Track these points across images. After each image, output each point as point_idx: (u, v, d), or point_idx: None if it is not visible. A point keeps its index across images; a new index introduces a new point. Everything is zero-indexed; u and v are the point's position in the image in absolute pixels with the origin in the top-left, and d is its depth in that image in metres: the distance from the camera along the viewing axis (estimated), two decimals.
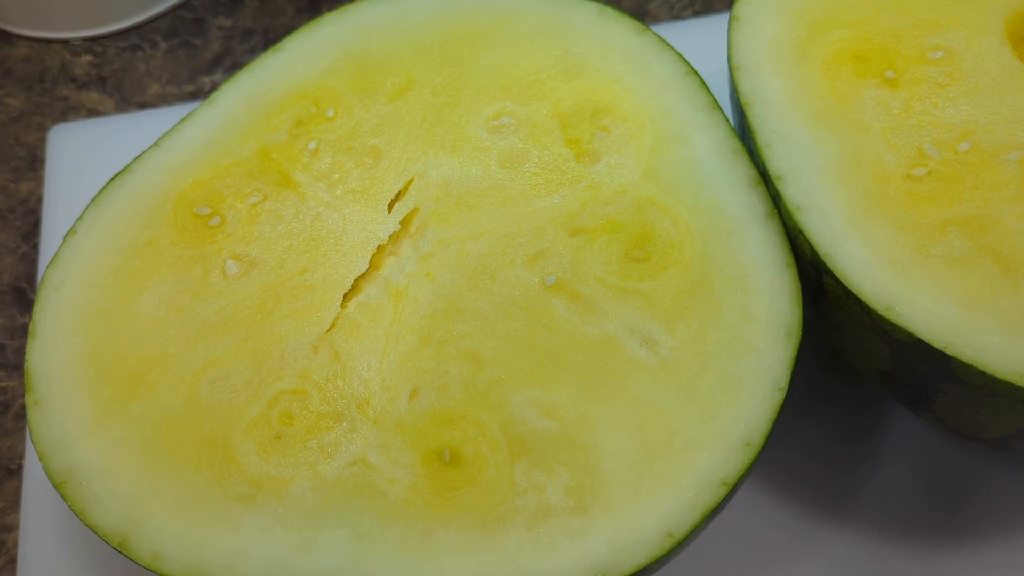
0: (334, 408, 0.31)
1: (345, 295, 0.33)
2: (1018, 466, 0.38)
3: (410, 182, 0.36)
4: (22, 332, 0.48)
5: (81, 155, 0.51)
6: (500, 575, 0.28)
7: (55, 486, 0.30)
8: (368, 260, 0.34)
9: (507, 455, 0.29)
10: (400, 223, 0.35)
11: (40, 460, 0.31)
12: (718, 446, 0.29)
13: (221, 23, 0.60)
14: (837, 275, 0.30)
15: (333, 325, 0.32)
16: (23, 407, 0.45)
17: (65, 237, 0.36)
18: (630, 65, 0.37)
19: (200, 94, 0.57)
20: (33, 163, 0.54)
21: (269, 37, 0.60)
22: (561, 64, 0.38)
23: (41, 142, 0.55)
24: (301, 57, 0.39)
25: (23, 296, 0.49)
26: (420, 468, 0.30)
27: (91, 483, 0.30)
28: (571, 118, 0.36)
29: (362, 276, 0.34)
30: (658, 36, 0.38)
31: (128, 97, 0.57)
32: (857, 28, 0.37)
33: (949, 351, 0.28)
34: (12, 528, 0.42)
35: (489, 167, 0.36)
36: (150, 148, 0.38)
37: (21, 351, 0.47)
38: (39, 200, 0.53)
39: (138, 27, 0.60)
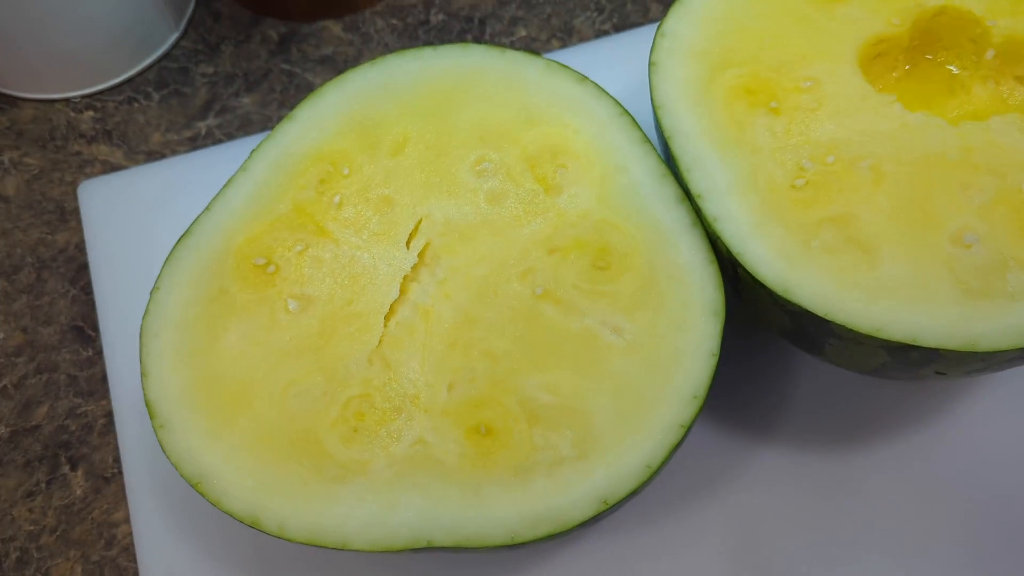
0: (393, 404, 0.42)
1: (385, 317, 0.44)
2: (891, 383, 0.51)
3: (419, 222, 0.46)
4: (89, 364, 0.57)
5: (110, 205, 0.59)
6: (534, 509, 0.39)
7: (192, 486, 0.41)
8: (398, 288, 0.44)
9: (526, 424, 0.41)
10: (417, 256, 0.45)
11: (175, 468, 0.41)
12: (674, 400, 0.41)
13: (203, 70, 0.69)
14: (747, 268, 0.42)
15: (381, 341, 0.43)
16: (104, 426, 0.55)
17: (151, 293, 0.45)
18: (576, 111, 0.48)
19: (198, 138, 0.66)
20: (63, 215, 0.63)
21: (249, 80, 0.68)
22: (522, 114, 0.48)
23: (66, 195, 0.63)
24: (312, 124, 0.49)
25: (82, 333, 0.58)
26: (464, 441, 0.41)
27: (220, 481, 0.41)
28: (536, 159, 0.47)
29: (396, 301, 0.44)
30: (595, 84, 0.49)
31: (135, 147, 0.66)
32: (746, 66, 0.48)
33: (828, 317, 0.40)
34: (119, 523, 0.52)
35: (479, 205, 0.46)
36: (203, 212, 0.47)
37: (91, 380, 0.56)
38: (76, 247, 0.61)
39: (130, 80, 0.68)
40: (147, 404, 0.42)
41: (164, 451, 0.41)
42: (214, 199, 0.47)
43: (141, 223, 0.58)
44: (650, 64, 0.49)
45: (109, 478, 0.53)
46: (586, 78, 0.49)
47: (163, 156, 0.65)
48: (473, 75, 0.49)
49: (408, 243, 0.45)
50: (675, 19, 0.50)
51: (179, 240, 0.46)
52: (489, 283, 0.44)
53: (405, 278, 0.44)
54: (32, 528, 0.52)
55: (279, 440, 0.41)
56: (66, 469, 0.54)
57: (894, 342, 0.40)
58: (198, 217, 0.47)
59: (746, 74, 0.47)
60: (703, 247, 0.44)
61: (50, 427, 0.55)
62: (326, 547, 0.39)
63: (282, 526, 0.40)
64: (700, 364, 0.41)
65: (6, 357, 0.57)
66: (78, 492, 0.53)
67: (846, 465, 0.50)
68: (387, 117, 0.48)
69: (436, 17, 0.70)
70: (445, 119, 0.48)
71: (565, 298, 0.43)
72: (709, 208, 0.44)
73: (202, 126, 0.66)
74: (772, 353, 0.53)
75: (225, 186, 0.48)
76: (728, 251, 0.43)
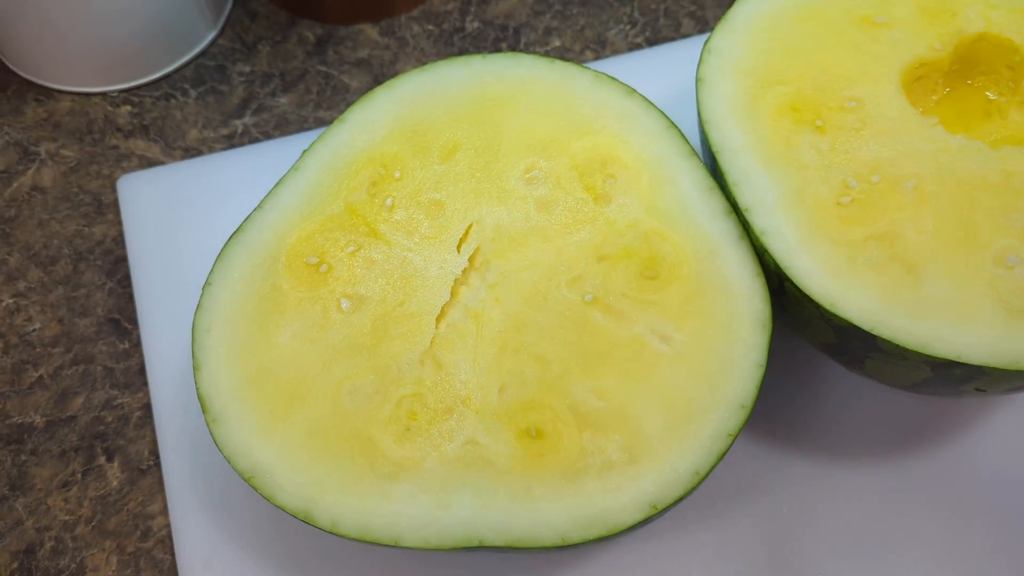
0: (445, 404, 0.42)
1: (437, 319, 0.44)
2: (924, 397, 0.52)
3: (470, 227, 0.47)
4: (125, 356, 0.57)
5: (149, 200, 0.60)
6: (584, 513, 0.40)
7: (246, 480, 0.41)
8: (449, 291, 0.45)
9: (576, 428, 0.42)
10: (468, 260, 0.46)
11: (228, 462, 0.42)
12: (722, 409, 0.42)
13: (240, 69, 0.69)
14: (794, 281, 0.43)
15: (433, 343, 0.44)
16: (140, 419, 0.55)
17: (204, 288, 0.46)
18: (625, 122, 0.49)
19: (235, 136, 0.66)
20: (100, 208, 0.63)
21: (286, 80, 0.69)
22: (572, 124, 0.49)
23: (103, 188, 0.64)
24: (363, 127, 0.50)
25: (119, 325, 0.58)
26: (515, 442, 0.41)
27: (273, 475, 0.41)
28: (586, 168, 0.48)
29: (447, 303, 0.45)
30: (643, 96, 0.50)
31: (171, 142, 0.66)
32: (792, 85, 0.49)
33: (875, 332, 0.41)
34: (155, 515, 0.52)
35: (529, 212, 0.47)
36: (255, 210, 0.48)
37: (128, 373, 0.57)
38: (113, 240, 0.62)
39: (167, 77, 0.69)
40: (200, 398, 0.43)
41: (217, 444, 0.42)
42: (266, 197, 0.48)
43: (180, 218, 0.59)
44: (697, 80, 0.50)
45: (145, 470, 0.54)
46: (634, 91, 0.50)
47: (200, 153, 0.65)
48: (523, 84, 0.50)
49: (459, 247, 0.46)
50: (722, 36, 0.51)
51: (231, 236, 0.47)
52: (539, 288, 0.45)
53: (456, 281, 0.45)
54: (68, 518, 0.52)
55: (332, 436, 0.42)
56: (102, 460, 0.54)
57: (939, 358, 0.41)
58: (250, 215, 0.48)
59: (792, 92, 0.49)
60: (750, 260, 0.45)
61: (86, 418, 0.55)
62: (379, 544, 0.40)
63: (335, 522, 0.40)
64: (748, 374, 0.42)
65: (43, 347, 0.57)
66: (114, 483, 0.53)
67: (877, 476, 0.51)
68: (438, 123, 0.49)
69: (471, 24, 0.71)
70: (495, 127, 0.49)
71: (614, 305, 0.44)
72: (757, 222, 0.45)
73: (239, 124, 0.67)
74: (805, 363, 0.54)
75: (277, 185, 0.48)
76: (775, 264, 0.44)
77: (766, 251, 0.44)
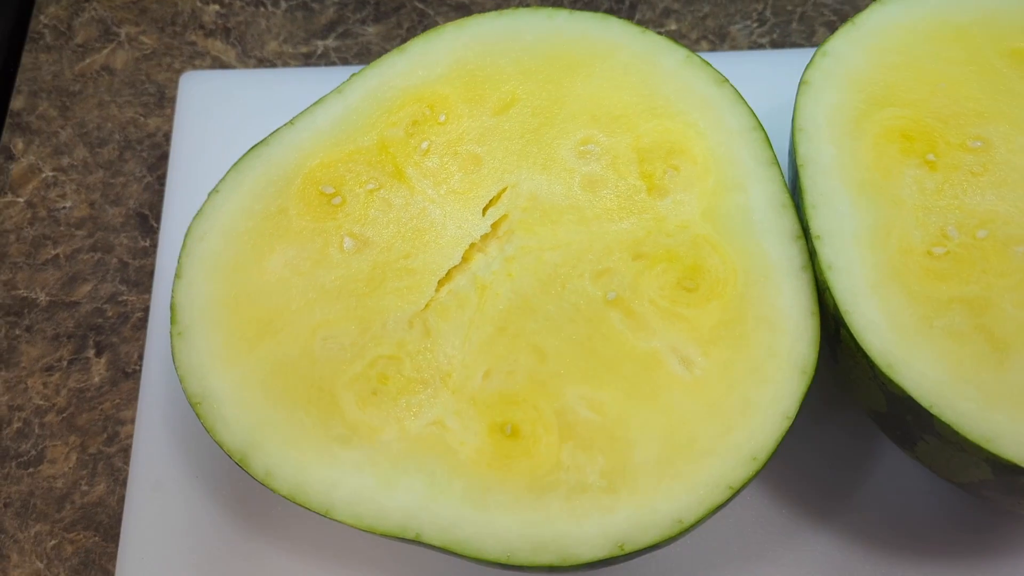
0: (422, 375, 0.38)
1: (439, 281, 0.40)
2: (980, 503, 0.44)
3: (503, 191, 0.42)
4: (143, 254, 0.55)
5: (208, 102, 0.57)
6: (540, 532, 0.35)
7: (191, 405, 0.38)
8: (461, 254, 0.40)
9: (557, 437, 0.36)
10: (491, 226, 0.41)
11: (180, 382, 0.38)
12: (729, 456, 0.35)
13: None
14: (852, 331, 0.36)
15: (427, 306, 0.39)
16: (139, 320, 0.53)
17: (209, 195, 0.42)
18: (706, 112, 0.43)
19: (313, 56, 0.63)
20: (161, 101, 0.61)
21: (380, 10, 0.65)
22: (647, 102, 0.43)
23: (170, 81, 0.62)
24: (421, 61, 0.45)
25: (145, 222, 0.56)
26: (486, 436, 0.36)
27: (220, 407, 0.38)
28: (648, 153, 0.42)
29: (455, 267, 0.40)
30: (735, 89, 0.43)
31: (248, 50, 0.63)
32: (910, 108, 0.42)
33: (933, 410, 0.34)
34: (125, 422, 0.50)
35: (572, 188, 0.41)
36: (285, 125, 0.44)
37: (141, 270, 0.54)
38: (165, 136, 0.59)
39: None
40: (172, 307, 0.40)
41: (174, 359, 0.39)
42: (300, 115, 0.44)
43: (232, 125, 0.56)
44: (801, 82, 0.43)
45: (130, 374, 0.51)
46: (727, 80, 0.44)
47: (274, 65, 0.62)
48: (604, 49, 0.45)
49: (485, 210, 0.41)
50: (842, 40, 0.44)
51: (253, 147, 0.44)
52: (559, 274, 0.39)
53: (472, 246, 0.40)
54: (42, 403, 0.50)
55: (293, 381, 0.38)
56: (91, 353, 0.52)
57: (1004, 459, 0.33)
58: (279, 128, 0.44)
59: (908, 117, 0.42)
60: (808, 295, 0.38)
61: (88, 307, 0.53)
62: (308, 508, 0.35)
63: (270, 472, 0.36)
64: (770, 424, 0.36)
65: (68, 226, 0.56)
66: (96, 379, 0.51)
67: (899, 571, 0.43)
68: (500, 72, 0.44)
69: None
70: (560, 88, 0.44)
71: (638, 311, 0.38)
72: (826, 253, 0.38)
73: (320, 45, 0.63)
74: (851, 428, 0.46)
75: (315, 104, 0.45)
76: (835, 306, 0.37)
77: (828, 288, 0.37)
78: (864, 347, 0.36)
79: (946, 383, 0.35)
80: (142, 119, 0.60)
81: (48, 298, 0.53)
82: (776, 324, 0.38)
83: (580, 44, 0.45)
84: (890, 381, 0.35)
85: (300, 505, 0.36)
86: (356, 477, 0.36)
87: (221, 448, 0.37)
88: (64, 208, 0.56)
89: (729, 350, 0.37)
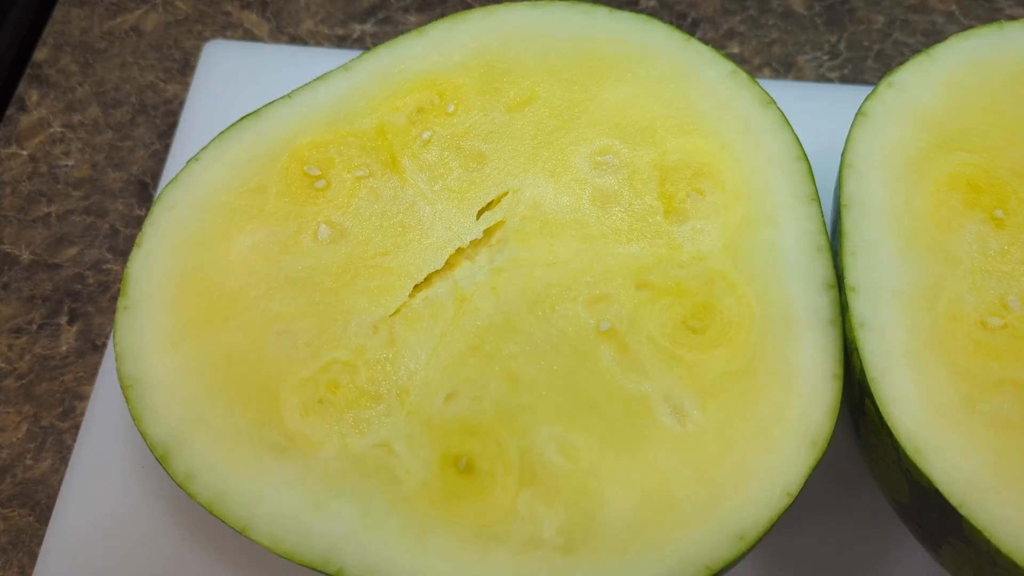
0: (376, 389, 0.33)
1: (416, 286, 0.35)
2: None
3: (504, 195, 0.37)
4: (136, 223, 0.52)
5: (228, 73, 0.54)
6: None
7: (122, 388, 0.34)
8: (445, 259, 0.36)
9: (517, 480, 0.31)
10: (484, 232, 0.36)
11: (116, 360, 0.34)
12: (712, 531, 0.30)
13: None
14: (878, 402, 0.31)
15: (398, 311, 0.35)
16: (118, 292, 0.50)
17: (188, 163, 0.39)
18: (745, 134, 0.38)
19: (348, 39, 0.60)
20: (184, 68, 0.58)
21: (425, 0, 0.62)
22: (679, 116, 0.38)
23: (196, 50, 0.59)
24: (440, 45, 0.41)
25: (145, 190, 0.53)
26: (436, 468, 0.32)
27: (152, 394, 0.34)
28: (672, 172, 0.37)
29: (436, 272, 0.36)
30: (780, 112, 0.38)
31: (282, 27, 0.60)
32: (983, 155, 0.36)
33: (962, 510, 0.29)
34: (84, 397, 0.46)
35: (580, 200, 0.37)
36: (282, 98, 0.40)
37: (130, 240, 0.51)
38: (181, 104, 0.56)
39: None
40: (124, 278, 0.36)
41: (115, 335, 0.35)
42: (299, 88, 0.41)
43: (249, 101, 0.53)
44: (859, 113, 0.38)
45: (99, 347, 0.48)
46: (773, 102, 0.38)
47: (306, 44, 0.59)
48: (641, 54, 0.40)
49: (480, 213, 0.37)
50: (913, 71, 0.39)
51: (243, 117, 0.40)
52: (550, 294, 0.35)
53: (459, 251, 0.36)
54: (3, 366, 0.47)
55: (236, 376, 0.34)
56: (63, 320, 0.49)
57: None
58: (274, 101, 0.40)
59: (979, 165, 0.36)
60: (832, 354, 0.33)
61: (70, 271, 0.50)
62: (225, 522, 0.31)
63: (190, 475, 0.32)
64: (766, 499, 0.30)
65: (65, 185, 0.53)
66: (63, 348, 0.48)
67: None
68: (523, 66, 0.40)
69: (648, 2, 0.61)
70: (585, 91, 0.39)
71: (633, 347, 0.33)
72: (860, 308, 0.33)
73: (358, 29, 0.60)
74: (869, 517, 0.40)
75: (318, 79, 0.41)
76: (862, 371, 0.32)
77: (857, 349, 0.32)
78: (890, 423, 0.30)
79: (983, 480, 0.29)
80: (162, 84, 0.57)
81: (31, 256, 0.51)
82: (790, 383, 0.32)
83: (615, 46, 0.40)
84: (916, 468, 0.30)
85: (217, 517, 0.31)
86: (283, 494, 0.31)
87: (144, 438, 0.33)
88: (66, 166, 0.54)
89: (731, 406, 0.32)
